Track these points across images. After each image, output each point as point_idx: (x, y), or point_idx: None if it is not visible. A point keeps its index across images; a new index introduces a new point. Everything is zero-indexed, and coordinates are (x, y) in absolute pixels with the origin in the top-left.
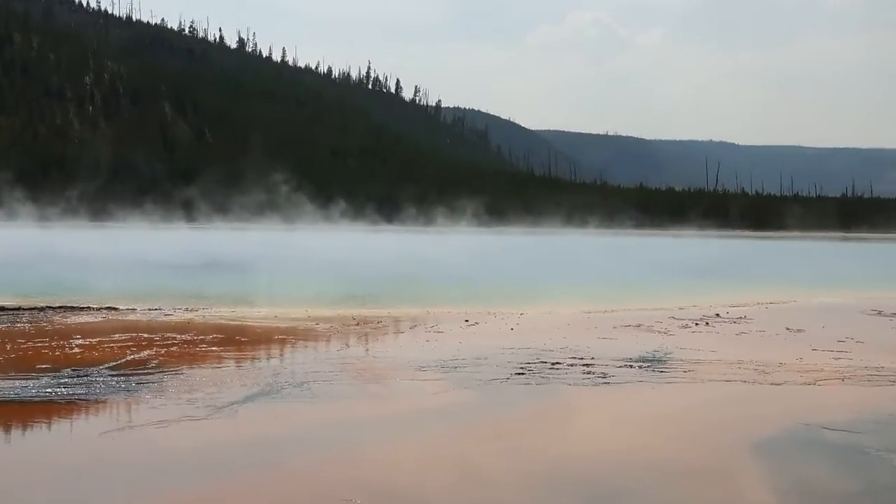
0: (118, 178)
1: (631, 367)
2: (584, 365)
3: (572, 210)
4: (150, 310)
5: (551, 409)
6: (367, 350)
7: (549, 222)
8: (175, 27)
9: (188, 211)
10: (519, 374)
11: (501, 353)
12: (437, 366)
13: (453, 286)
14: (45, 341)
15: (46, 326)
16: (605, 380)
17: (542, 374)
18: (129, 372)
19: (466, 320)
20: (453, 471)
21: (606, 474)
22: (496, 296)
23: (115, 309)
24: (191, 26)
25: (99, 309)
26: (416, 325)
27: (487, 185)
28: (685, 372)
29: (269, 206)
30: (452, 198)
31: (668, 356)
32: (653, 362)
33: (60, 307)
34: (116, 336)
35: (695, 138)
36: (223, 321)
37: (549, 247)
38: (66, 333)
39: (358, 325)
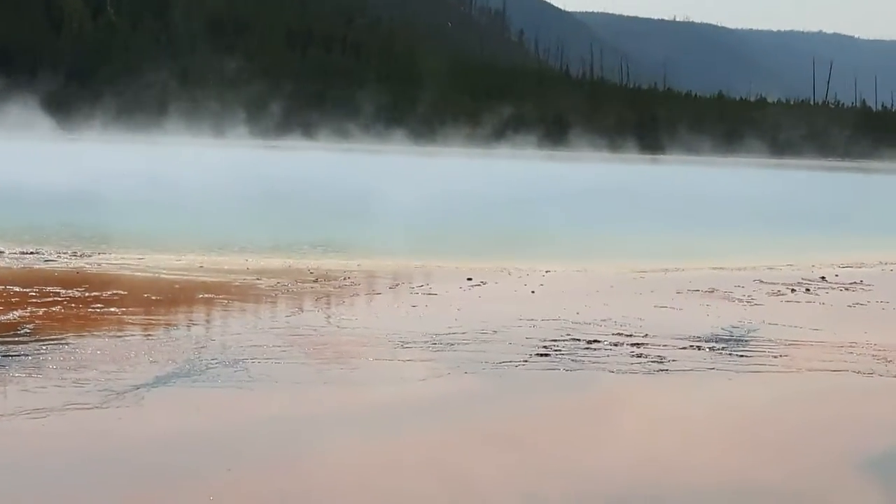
0: None
1: (699, 348)
2: (632, 344)
3: (622, 125)
4: (23, 253)
5: (586, 406)
6: (329, 317)
7: (587, 142)
8: None
9: (84, 119)
10: (542, 355)
11: (518, 326)
12: (426, 341)
13: (452, 231)
14: None
15: None
16: (661, 366)
17: (573, 356)
18: None
19: (469, 279)
20: (445, 492)
21: (661, 500)
22: (512, 245)
23: None
24: None
25: None
26: (398, 284)
27: (504, 89)
28: (775, 357)
29: (197, 114)
30: (453, 106)
31: (751, 334)
32: (730, 343)
33: None
34: None
35: (798, 28)
36: (127, 272)
37: (588, 177)
38: None
39: (316, 281)
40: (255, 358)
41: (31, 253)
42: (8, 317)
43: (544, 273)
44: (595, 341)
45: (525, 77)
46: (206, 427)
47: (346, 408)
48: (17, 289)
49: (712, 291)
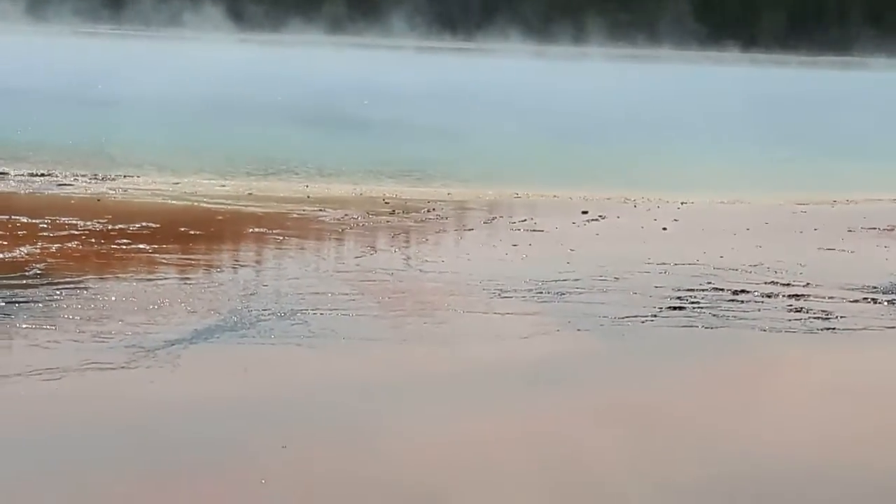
0: None
1: (875, 301)
2: (790, 296)
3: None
4: (32, 175)
5: (730, 373)
6: (408, 259)
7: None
8: None
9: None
10: (675, 308)
11: (645, 271)
12: (529, 290)
13: (562, 150)
14: None
15: None
16: (826, 323)
17: (715, 310)
18: None
19: (585, 211)
20: (552, 478)
21: (825, 490)
22: (640, 170)
23: None
24: None
25: None
26: (495, 218)
27: None
28: None
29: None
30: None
31: None
32: None
33: None
34: None
35: None
36: (159, 199)
37: (742, 82)
38: None
39: (394, 213)
40: (317, 308)
41: (43, 175)
42: (13, 254)
43: (679, 205)
44: (743, 291)
45: None
46: (256, 394)
47: (429, 372)
48: (24, 219)
49: (892, 229)
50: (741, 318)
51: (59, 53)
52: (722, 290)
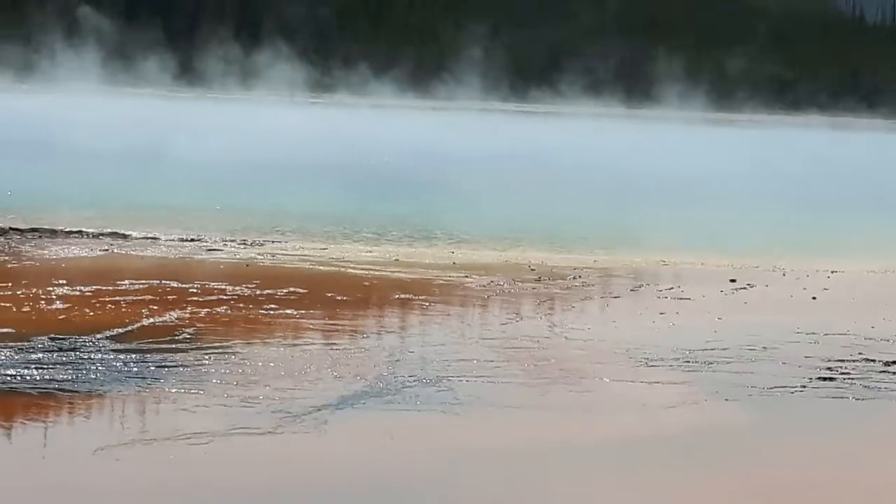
0: None
1: None
2: None
3: None
4: (182, 241)
5: (882, 447)
6: (554, 326)
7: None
8: None
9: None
10: (825, 378)
11: (794, 341)
12: (676, 359)
13: (701, 216)
14: (6, 289)
15: (10, 262)
16: None
17: (866, 382)
18: (144, 346)
19: (733, 280)
20: None
21: None
22: (789, 237)
23: (123, 236)
24: None
25: (98, 236)
26: (641, 286)
27: (778, 40)
28: None
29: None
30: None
31: None
32: None
33: (32, 230)
34: (125, 284)
35: None
36: (306, 265)
37: (866, 146)
38: (42, 276)
39: (539, 280)
40: (463, 375)
41: (193, 240)
42: (164, 318)
43: (829, 274)
44: (895, 363)
45: (805, 25)
46: (402, 460)
47: (574, 440)
48: (174, 284)
49: None
50: (893, 390)
51: (162, 117)
52: (873, 360)
